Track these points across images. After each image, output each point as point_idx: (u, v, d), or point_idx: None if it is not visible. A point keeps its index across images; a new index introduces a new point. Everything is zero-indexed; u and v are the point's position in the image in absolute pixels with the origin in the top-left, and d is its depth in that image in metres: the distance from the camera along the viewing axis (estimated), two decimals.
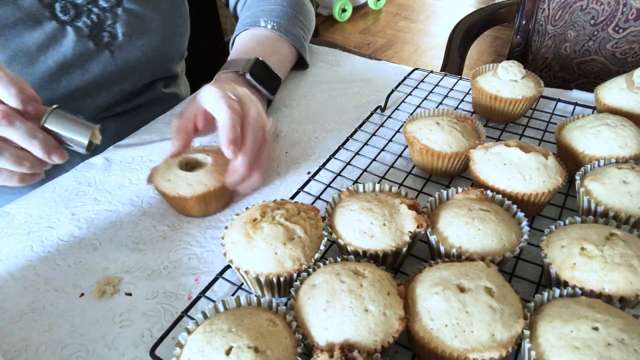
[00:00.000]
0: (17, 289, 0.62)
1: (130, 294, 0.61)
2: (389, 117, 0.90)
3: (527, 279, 0.59)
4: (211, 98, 0.67)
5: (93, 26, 0.82)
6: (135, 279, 0.63)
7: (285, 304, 0.52)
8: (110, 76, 0.87)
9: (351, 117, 0.91)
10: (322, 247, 0.56)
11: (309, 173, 0.79)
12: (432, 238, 0.57)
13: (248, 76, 0.83)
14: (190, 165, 0.73)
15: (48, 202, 0.75)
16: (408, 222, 0.57)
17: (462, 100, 0.93)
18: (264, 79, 0.86)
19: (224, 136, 0.65)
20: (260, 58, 0.86)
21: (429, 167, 0.74)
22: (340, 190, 0.64)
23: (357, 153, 0.81)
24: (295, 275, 0.54)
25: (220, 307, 0.51)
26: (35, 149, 0.57)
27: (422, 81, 0.99)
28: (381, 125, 0.87)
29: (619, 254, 0.50)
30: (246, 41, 0.94)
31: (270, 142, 0.73)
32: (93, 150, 0.62)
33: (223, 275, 0.60)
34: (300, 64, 1.05)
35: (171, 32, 0.94)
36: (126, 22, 0.86)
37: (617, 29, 1.25)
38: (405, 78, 0.99)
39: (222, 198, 0.72)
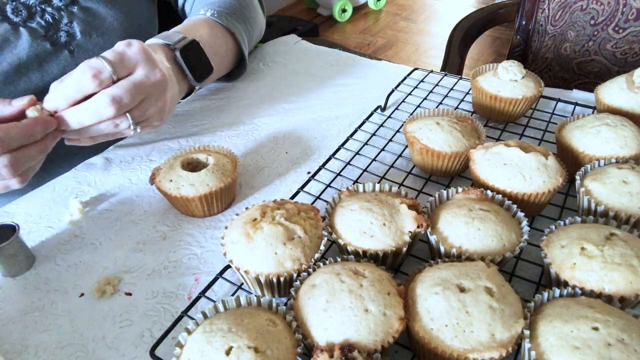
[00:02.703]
0: (17, 289, 0.62)
1: (130, 294, 0.61)
2: (389, 117, 0.90)
3: (527, 279, 0.59)
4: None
5: (48, 26, 0.80)
6: (135, 279, 0.63)
7: (285, 304, 0.52)
8: None
9: (351, 117, 0.91)
10: (322, 247, 0.56)
11: (309, 173, 0.79)
12: (432, 238, 0.57)
13: (178, 54, 0.77)
14: (192, 166, 0.73)
15: (48, 202, 0.75)
16: (408, 222, 0.57)
17: (462, 100, 0.93)
18: (194, 62, 0.81)
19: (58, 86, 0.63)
20: (196, 40, 0.81)
21: (429, 167, 0.73)
22: (340, 190, 0.64)
23: (357, 153, 0.81)
24: (295, 275, 0.54)
25: (220, 307, 0.51)
26: None
27: (422, 81, 0.99)
28: (381, 125, 0.87)
29: (619, 254, 0.50)
30: (185, 22, 0.89)
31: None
32: None
33: (223, 275, 0.60)
34: (239, 67, 1.00)
35: (135, 31, 0.91)
36: (84, 20, 0.83)
37: (617, 29, 1.25)
38: (405, 78, 0.99)
39: (225, 198, 0.72)
